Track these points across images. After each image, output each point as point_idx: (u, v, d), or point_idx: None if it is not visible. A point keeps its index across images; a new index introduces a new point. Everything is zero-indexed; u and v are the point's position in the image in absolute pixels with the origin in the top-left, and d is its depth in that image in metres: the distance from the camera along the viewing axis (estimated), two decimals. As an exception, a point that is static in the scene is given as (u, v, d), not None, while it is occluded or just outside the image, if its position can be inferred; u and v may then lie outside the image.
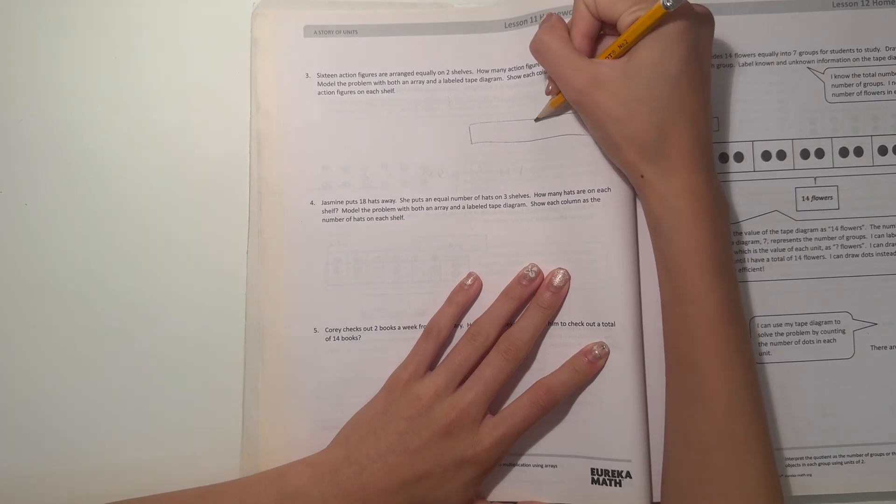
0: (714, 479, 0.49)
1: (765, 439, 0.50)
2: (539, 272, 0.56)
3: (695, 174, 0.51)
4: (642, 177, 0.52)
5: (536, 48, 0.54)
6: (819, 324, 0.57)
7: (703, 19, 0.51)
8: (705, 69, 0.52)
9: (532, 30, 0.57)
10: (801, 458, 0.56)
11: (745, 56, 0.58)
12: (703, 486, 0.50)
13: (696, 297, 0.50)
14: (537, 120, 0.57)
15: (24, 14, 0.60)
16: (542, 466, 0.56)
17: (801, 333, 0.57)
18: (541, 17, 0.57)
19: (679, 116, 0.50)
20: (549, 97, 0.56)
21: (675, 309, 0.52)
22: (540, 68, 0.57)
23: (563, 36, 0.53)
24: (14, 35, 0.60)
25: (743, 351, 0.51)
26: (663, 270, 0.52)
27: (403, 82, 0.58)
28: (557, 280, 0.56)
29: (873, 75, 0.58)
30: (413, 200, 0.58)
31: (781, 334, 0.57)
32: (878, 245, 0.57)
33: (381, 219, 0.57)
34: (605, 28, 0.53)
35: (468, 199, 0.57)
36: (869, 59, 0.58)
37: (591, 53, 0.53)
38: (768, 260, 0.57)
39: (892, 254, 0.57)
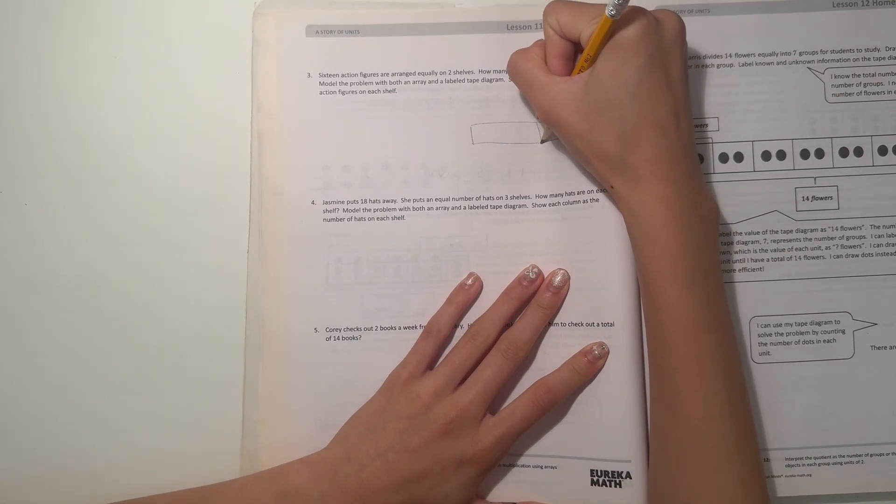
0: (690, 486, 0.49)
1: (744, 445, 0.50)
2: (539, 273, 0.56)
3: (663, 183, 0.50)
4: (612, 188, 0.52)
5: (510, 71, 0.55)
6: (819, 324, 0.57)
7: (667, 24, 0.51)
8: (673, 74, 0.51)
9: (535, 35, 0.57)
10: (801, 458, 0.56)
11: (745, 56, 0.57)
12: (681, 491, 0.50)
13: (666, 306, 0.50)
14: (543, 142, 0.57)
15: (23, 13, 0.59)
16: (541, 467, 0.56)
17: (801, 333, 0.57)
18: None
19: (642, 126, 0.50)
20: None
21: (649, 317, 0.52)
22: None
23: (534, 59, 0.54)
24: (14, 34, 0.59)
25: (719, 357, 0.50)
26: (640, 279, 0.52)
27: (405, 82, 0.58)
28: (557, 280, 0.56)
29: (873, 75, 0.57)
30: (414, 200, 0.57)
31: (781, 334, 0.57)
32: (877, 245, 0.57)
33: (381, 219, 0.57)
34: (577, 48, 0.53)
35: (469, 199, 0.57)
36: (869, 59, 0.58)
37: (568, 73, 0.53)
38: (768, 260, 0.57)
39: (891, 254, 0.57)
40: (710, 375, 0.50)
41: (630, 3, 0.48)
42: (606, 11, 0.48)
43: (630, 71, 0.49)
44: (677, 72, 0.51)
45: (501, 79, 0.58)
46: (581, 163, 0.55)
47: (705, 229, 0.51)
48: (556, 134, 0.55)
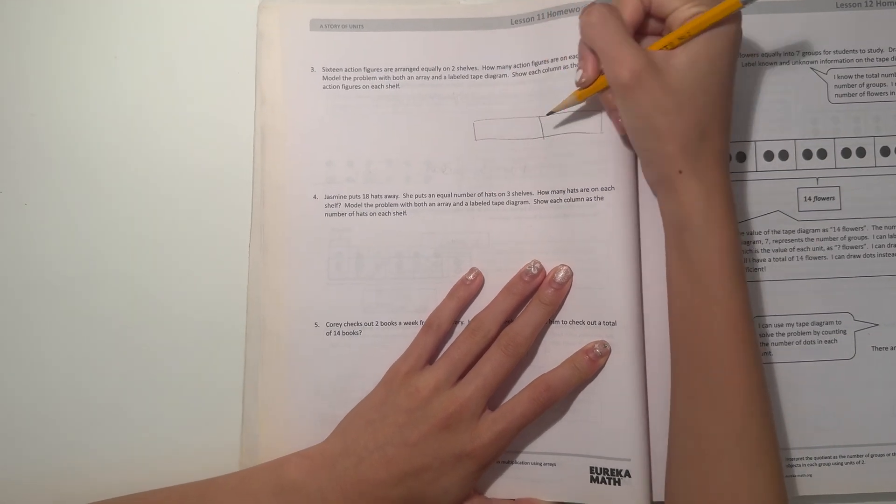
0: (726, 481, 0.49)
1: (776, 442, 0.50)
2: (541, 269, 0.56)
3: (724, 175, 0.51)
4: (680, 172, 0.51)
5: (592, 21, 0.52)
6: (820, 324, 0.57)
7: (741, 27, 0.52)
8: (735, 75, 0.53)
9: (539, 26, 0.57)
10: (802, 459, 0.56)
11: (748, 56, 0.58)
12: (715, 487, 0.49)
13: (722, 297, 0.50)
14: (549, 113, 0.57)
15: (23, 12, 0.59)
16: (541, 464, 0.56)
17: (803, 334, 0.57)
18: (548, 15, 0.57)
19: (719, 118, 0.51)
20: (574, 89, 0.55)
21: (696, 309, 0.51)
22: (546, 65, 0.57)
23: (619, 15, 0.52)
24: (14, 33, 0.59)
25: (757, 352, 0.50)
26: (684, 271, 0.51)
27: (408, 78, 0.58)
28: (560, 277, 0.55)
29: (876, 76, 0.57)
30: (416, 196, 0.57)
31: (783, 335, 0.57)
32: (879, 246, 0.57)
33: (383, 214, 0.57)
34: (647, 24, 0.53)
35: (471, 195, 0.57)
36: (872, 59, 0.58)
37: None
38: (770, 260, 0.57)
39: (893, 255, 0.57)
40: (754, 370, 0.50)
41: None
42: None
43: (725, 62, 0.50)
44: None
45: (505, 74, 0.58)
46: (642, 140, 0.52)
47: None
48: (625, 103, 0.51)
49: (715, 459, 0.50)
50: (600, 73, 0.53)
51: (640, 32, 0.53)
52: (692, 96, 0.50)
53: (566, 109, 0.56)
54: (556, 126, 0.57)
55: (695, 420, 0.51)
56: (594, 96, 0.55)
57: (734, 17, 0.50)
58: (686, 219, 0.51)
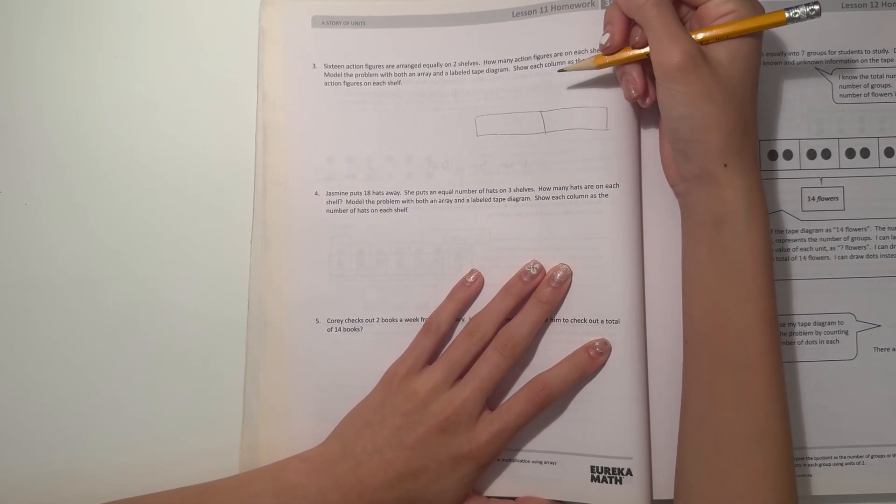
0: (746, 481, 0.48)
1: (792, 444, 0.49)
2: (541, 269, 0.55)
3: (758, 175, 0.50)
4: (725, 165, 0.49)
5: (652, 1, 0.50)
6: (822, 324, 0.56)
7: None
8: None
9: (541, 20, 0.56)
10: (802, 459, 0.55)
11: (752, 55, 0.58)
12: (734, 487, 0.48)
13: (756, 296, 0.49)
14: (561, 71, 0.55)
15: (23, 11, 0.59)
16: (541, 463, 0.55)
17: (805, 334, 0.56)
18: (551, 8, 0.56)
19: (753, 116, 0.50)
20: (594, 53, 0.54)
21: (725, 307, 0.50)
22: (548, 60, 0.56)
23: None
24: (14, 32, 0.59)
25: (781, 353, 0.50)
26: (717, 267, 0.50)
27: (410, 74, 0.57)
28: (558, 276, 0.54)
29: (881, 77, 0.57)
30: (417, 193, 0.57)
31: (785, 334, 0.56)
32: (882, 247, 0.56)
33: (385, 210, 0.57)
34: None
35: (472, 191, 0.57)
36: (877, 60, 0.57)
37: None
38: (773, 259, 0.57)
39: (896, 255, 0.56)
40: (779, 370, 0.49)
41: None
42: (788, 13, 0.47)
43: (756, 61, 0.50)
44: None
45: (507, 69, 0.57)
46: (686, 131, 0.50)
47: None
48: (671, 89, 0.49)
49: (735, 459, 0.49)
50: (625, 43, 0.52)
51: None
52: (735, 89, 0.49)
53: (579, 70, 0.54)
54: (560, 122, 0.56)
55: (716, 419, 0.50)
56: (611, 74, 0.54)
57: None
58: (727, 214, 0.49)
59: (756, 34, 0.49)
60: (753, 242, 0.49)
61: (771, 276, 0.50)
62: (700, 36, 0.49)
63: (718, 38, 0.49)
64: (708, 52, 0.49)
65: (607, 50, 0.53)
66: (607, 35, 0.53)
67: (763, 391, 0.49)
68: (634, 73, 0.52)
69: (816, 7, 0.47)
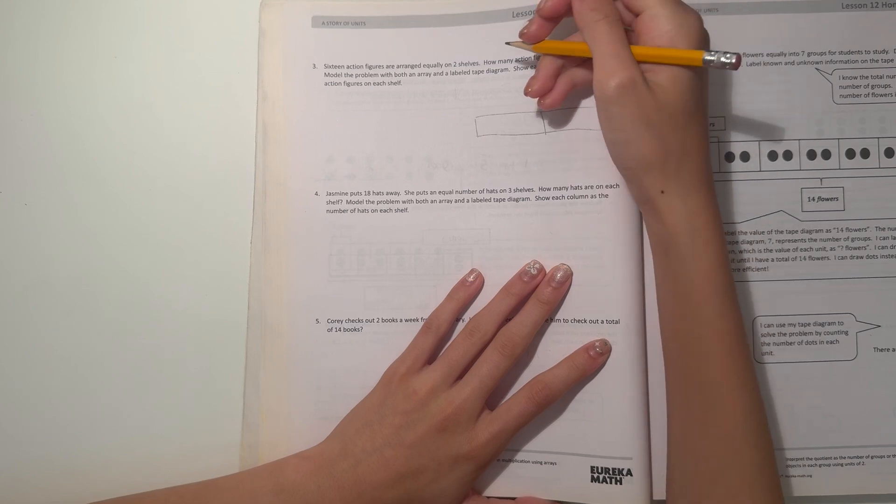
0: (724, 500, 0.48)
1: (772, 458, 0.49)
2: (541, 269, 0.55)
3: (708, 194, 0.50)
4: (662, 192, 0.49)
5: (598, 17, 0.50)
6: (822, 325, 0.56)
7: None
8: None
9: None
10: (802, 459, 0.55)
11: (753, 56, 0.56)
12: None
13: (712, 319, 0.49)
14: (507, 43, 0.55)
15: (23, 11, 0.59)
16: (541, 463, 0.55)
17: (805, 334, 0.56)
18: None
19: (699, 136, 0.49)
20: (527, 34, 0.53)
21: (686, 330, 0.50)
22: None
23: (619, 14, 0.50)
24: (13, 32, 0.59)
25: (751, 371, 0.49)
26: (672, 292, 0.50)
27: (410, 74, 0.57)
28: (559, 276, 0.54)
29: (881, 77, 0.57)
30: (417, 193, 0.57)
31: (784, 335, 0.56)
32: (882, 247, 0.56)
33: (385, 211, 0.57)
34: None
35: (472, 192, 0.56)
36: (877, 60, 0.57)
37: None
38: (773, 260, 0.56)
39: (896, 256, 0.56)
40: (748, 388, 0.49)
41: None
42: (705, 57, 0.46)
43: (700, 81, 0.49)
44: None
45: (507, 69, 0.57)
46: (622, 157, 0.51)
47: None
48: (608, 112, 0.49)
49: (712, 480, 0.49)
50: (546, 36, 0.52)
51: None
52: (675, 114, 0.48)
53: (521, 47, 0.55)
54: (561, 122, 0.56)
55: (691, 441, 0.50)
56: None
57: (700, 34, 0.49)
58: (670, 240, 0.49)
59: (690, 68, 0.49)
60: (702, 267, 0.49)
61: (728, 297, 0.49)
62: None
63: (644, 60, 0.49)
64: (650, 76, 0.49)
65: (524, 37, 0.53)
66: (532, 22, 0.53)
67: (733, 413, 0.49)
68: (547, 71, 0.53)
69: (733, 60, 0.46)
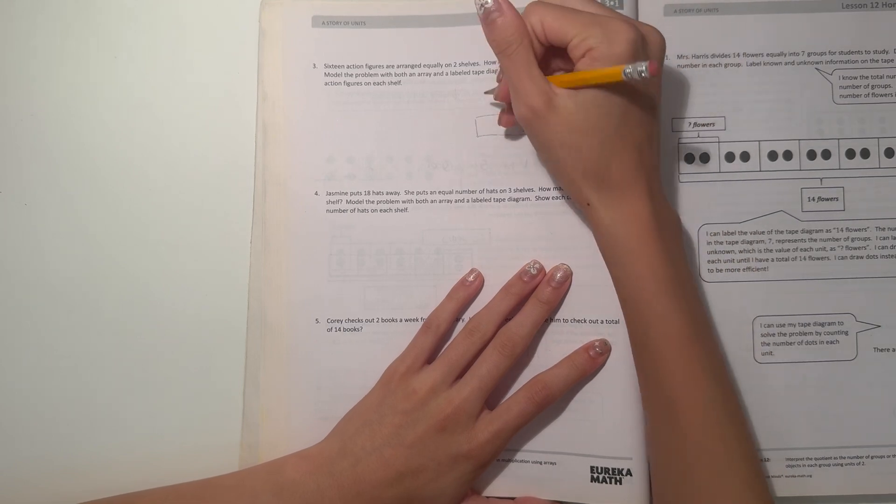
0: (698, 495, 0.48)
1: (745, 448, 0.49)
2: (541, 269, 0.55)
3: (638, 200, 0.50)
4: (588, 204, 0.50)
5: (503, 49, 0.50)
6: (822, 325, 0.56)
7: (652, 43, 0.50)
8: (653, 93, 0.50)
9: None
10: (802, 459, 0.55)
11: (753, 56, 0.56)
12: (687, 499, 0.49)
13: (655, 321, 0.49)
14: (487, 92, 0.56)
15: (23, 11, 0.59)
16: (541, 463, 0.55)
17: (804, 334, 0.56)
18: None
19: (623, 147, 0.49)
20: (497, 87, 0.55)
21: (636, 333, 0.50)
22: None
23: (531, 46, 0.50)
24: (13, 32, 0.59)
25: (712, 366, 0.49)
26: (621, 296, 0.51)
27: (410, 74, 0.57)
28: (559, 276, 0.54)
29: (881, 77, 0.56)
30: (417, 193, 0.56)
31: (784, 335, 0.56)
32: (882, 247, 0.56)
33: (385, 210, 0.57)
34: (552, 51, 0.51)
35: (473, 192, 0.56)
36: (877, 60, 0.56)
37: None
38: (773, 260, 0.56)
39: (896, 256, 0.56)
40: (704, 385, 0.48)
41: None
42: (624, 71, 0.46)
43: (618, 98, 0.49)
44: (656, 92, 0.51)
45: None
46: (552, 174, 0.55)
47: (675, 242, 0.51)
48: (529, 135, 0.52)
49: (683, 474, 0.49)
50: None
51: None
52: (589, 132, 0.49)
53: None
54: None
55: (660, 437, 0.50)
56: None
57: (621, 45, 0.48)
58: (606, 248, 0.51)
59: (614, 84, 0.48)
60: (637, 272, 0.50)
61: (672, 298, 0.49)
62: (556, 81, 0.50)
63: (568, 86, 0.49)
64: (557, 101, 0.49)
65: (496, 97, 0.56)
66: (497, 86, 0.56)
67: (691, 410, 0.49)
68: (504, 88, 0.54)
69: (645, 72, 0.45)
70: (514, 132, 0.57)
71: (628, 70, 0.46)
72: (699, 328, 0.50)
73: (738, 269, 0.56)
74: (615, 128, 0.49)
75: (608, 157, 0.49)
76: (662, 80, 0.56)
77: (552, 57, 0.51)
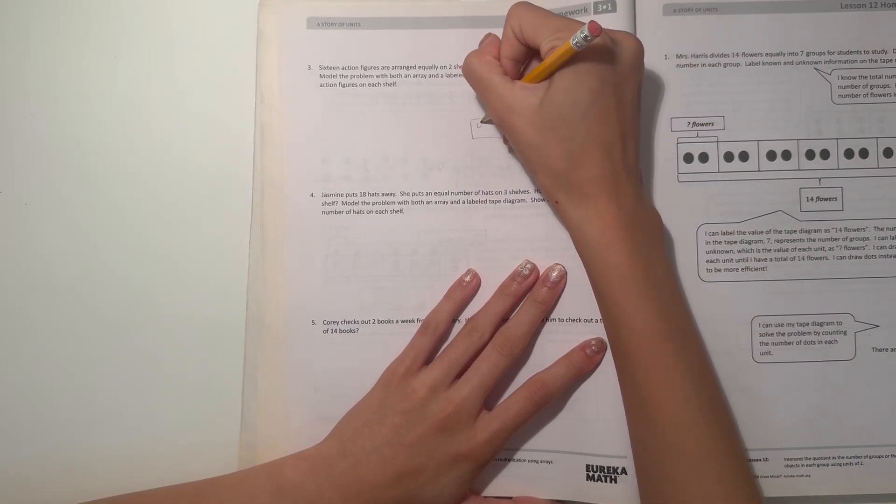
0: (674, 491, 0.48)
1: (722, 445, 0.49)
2: (534, 269, 0.55)
3: (606, 202, 0.50)
4: (557, 203, 0.51)
5: (465, 72, 0.53)
6: (821, 325, 0.56)
7: (625, 47, 0.50)
8: (626, 98, 0.51)
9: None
10: (800, 459, 0.55)
11: (752, 55, 0.56)
12: (666, 497, 0.49)
13: (625, 320, 0.49)
14: (483, 123, 0.57)
15: (23, 11, 0.59)
16: (537, 462, 0.55)
17: (803, 334, 0.56)
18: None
19: (589, 146, 0.50)
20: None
21: (610, 331, 0.51)
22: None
23: (490, 60, 0.52)
24: (13, 32, 0.59)
25: (683, 363, 0.49)
26: (595, 294, 0.52)
27: (406, 76, 0.57)
28: (554, 276, 0.55)
29: (880, 77, 0.56)
30: (413, 194, 0.57)
31: (783, 334, 0.56)
32: (881, 247, 0.56)
33: (380, 212, 0.56)
34: (531, 52, 0.52)
35: (468, 193, 0.56)
36: (876, 60, 0.56)
37: (517, 75, 0.53)
38: (771, 260, 0.56)
39: (894, 256, 0.56)
40: (676, 383, 0.49)
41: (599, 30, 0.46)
42: (571, 41, 0.46)
43: (581, 91, 0.49)
44: (630, 95, 0.51)
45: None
46: (527, 173, 0.56)
47: (649, 242, 0.51)
48: (508, 139, 0.54)
49: (659, 470, 0.49)
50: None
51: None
52: (553, 129, 0.50)
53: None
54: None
55: (637, 433, 0.51)
56: None
57: (593, 55, 0.49)
58: (576, 245, 0.52)
59: (574, 66, 0.49)
60: (606, 270, 0.50)
61: (642, 296, 0.50)
62: (527, 79, 0.52)
63: (538, 80, 0.51)
64: (513, 103, 0.51)
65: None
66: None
67: (664, 406, 0.49)
68: None
69: (588, 35, 0.46)
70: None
71: (574, 40, 0.46)
72: (673, 326, 0.50)
73: (737, 269, 0.56)
74: (578, 124, 0.50)
75: (574, 156, 0.50)
76: (660, 79, 0.56)
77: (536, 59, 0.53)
